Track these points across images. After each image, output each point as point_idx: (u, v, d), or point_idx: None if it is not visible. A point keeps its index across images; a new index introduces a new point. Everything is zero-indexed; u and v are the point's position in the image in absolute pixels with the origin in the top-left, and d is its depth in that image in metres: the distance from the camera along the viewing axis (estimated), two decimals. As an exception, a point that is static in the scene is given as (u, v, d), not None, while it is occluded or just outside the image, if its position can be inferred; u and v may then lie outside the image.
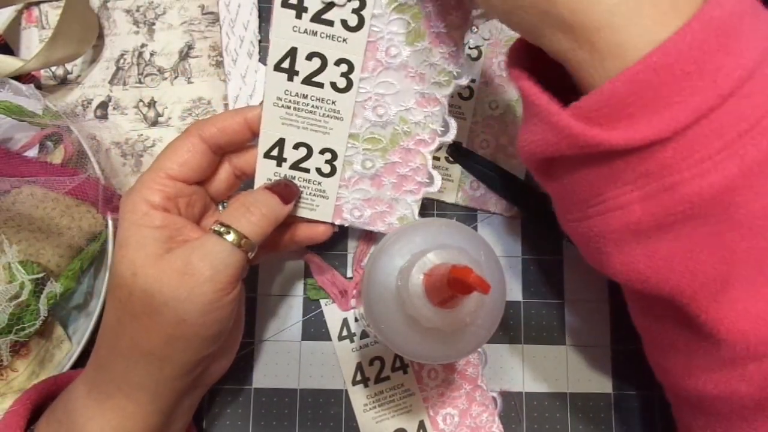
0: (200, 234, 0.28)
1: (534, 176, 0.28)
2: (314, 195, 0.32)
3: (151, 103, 0.40)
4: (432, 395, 0.36)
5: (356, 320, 0.37)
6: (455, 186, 0.39)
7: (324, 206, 0.32)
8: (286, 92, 0.30)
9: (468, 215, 0.39)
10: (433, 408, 0.36)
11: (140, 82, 0.40)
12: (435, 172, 0.32)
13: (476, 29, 0.40)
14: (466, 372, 0.37)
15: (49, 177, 0.33)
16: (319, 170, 0.32)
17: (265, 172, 0.31)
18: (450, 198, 0.39)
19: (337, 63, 0.30)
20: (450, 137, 0.32)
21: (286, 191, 0.30)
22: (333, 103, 0.30)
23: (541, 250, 0.38)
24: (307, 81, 0.30)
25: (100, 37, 0.40)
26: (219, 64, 0.40)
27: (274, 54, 0.29)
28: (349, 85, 0.30)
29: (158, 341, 0.26)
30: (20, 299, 0.32)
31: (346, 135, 0.31)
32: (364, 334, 0.37)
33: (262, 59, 0.39)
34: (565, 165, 0.24)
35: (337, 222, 0.33)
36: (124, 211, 0.27)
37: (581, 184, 0.24)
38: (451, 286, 0.22)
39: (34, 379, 0.34)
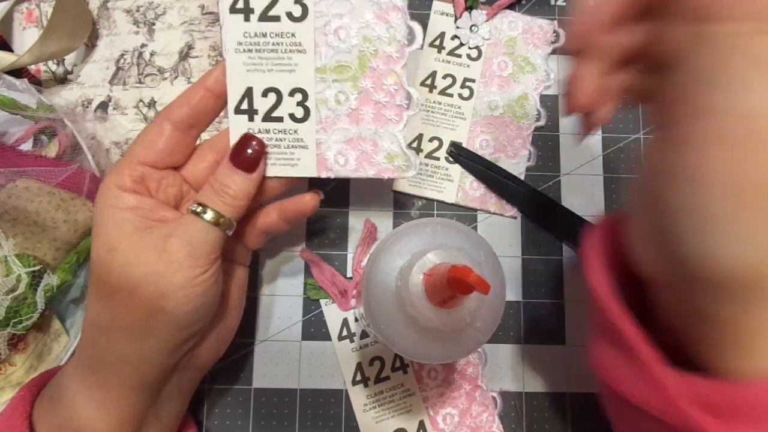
0: (175, 214, 0.29)
1: (599, 393, 0.27)
2: (292, 147, 0.31)
3: (151, 103, 0.40)
4: (432, 395, 0.36)
5: (356, 320, 0.37)
6: (455, 186, 0.39)
7: (305, 158, 0.31)
8: (245, 34, 0.30)
9: (468, 215, 0.39)
10: (433, 408, 0.36)
11: (140, 82, 0.40)
12: (412, 90, 0.31)
13: (476, 28, 0.40)
14: (466, 372, 0.37)
15: (43, 169, 0.33)
16: (292, 116, 0.30)
17: (239, 129, 0.31)
18: (450, 198, 0.39)
19: None
20: (417, 43, 0.31)
21: (247, 158, 0.29)
22: (293, 35, 0.30)
23: (541, 250, 0.38)
24: (263, 17, 0.30)
25: (99, 36, 0.40)
26: (219, 64, 0.40)
27: None
28: (305, 11, 0.30)
29: (138, 315, 0.27)
30: (17, 292, 0.32)
31: (313, 69, 0.30)
32: (364, 334, 0.37)
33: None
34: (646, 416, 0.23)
35: (323, 175, 0.31)
36: (98, 195, 0.28)
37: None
38: (451, 286, 0.22)
39: (32, 373, 0.34)
